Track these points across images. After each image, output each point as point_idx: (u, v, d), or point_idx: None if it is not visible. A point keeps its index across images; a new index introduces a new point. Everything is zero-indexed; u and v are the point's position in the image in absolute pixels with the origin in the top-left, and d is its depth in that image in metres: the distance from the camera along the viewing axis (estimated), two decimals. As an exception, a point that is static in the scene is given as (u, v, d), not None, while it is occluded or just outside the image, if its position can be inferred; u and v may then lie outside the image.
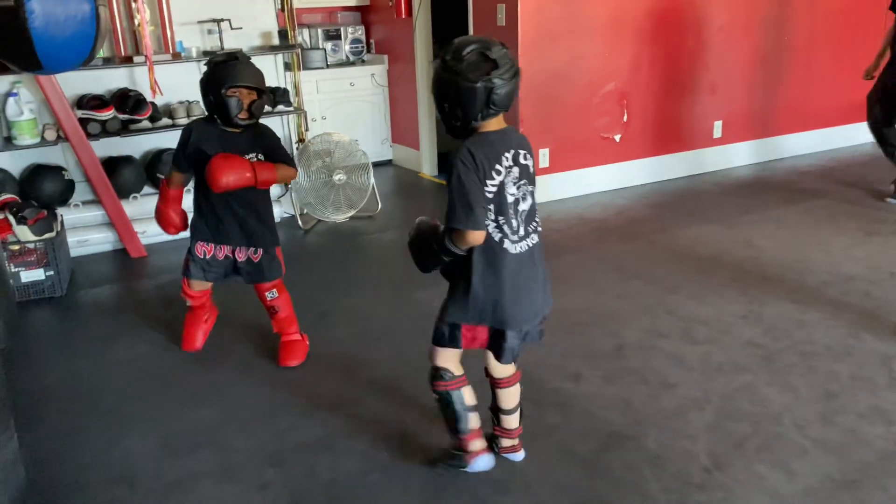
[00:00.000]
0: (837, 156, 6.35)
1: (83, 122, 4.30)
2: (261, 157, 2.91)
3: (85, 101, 4.38)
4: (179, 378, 3.04)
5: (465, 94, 1.96)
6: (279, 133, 5.13)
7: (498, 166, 2.04)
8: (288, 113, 4.99)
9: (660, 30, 5.45)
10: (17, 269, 3.83)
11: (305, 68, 5.88)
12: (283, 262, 3.13)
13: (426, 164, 6.34)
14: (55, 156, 4.51)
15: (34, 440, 2.62)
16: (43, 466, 2.47)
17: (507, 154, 2.07)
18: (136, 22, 4.32)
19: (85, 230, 4.47)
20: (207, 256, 3.03)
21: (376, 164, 5.91)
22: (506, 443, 2.40)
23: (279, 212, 4.98)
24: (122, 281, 4.18)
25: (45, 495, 2.33)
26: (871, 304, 3.46)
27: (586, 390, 2.83)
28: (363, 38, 6.55)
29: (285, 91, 4.94)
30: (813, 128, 6.48)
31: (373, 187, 5.08)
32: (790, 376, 2.87)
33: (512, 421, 2.38)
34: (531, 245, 2.15)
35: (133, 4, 4.35)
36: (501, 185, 2.05)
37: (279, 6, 5.00)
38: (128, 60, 4.44)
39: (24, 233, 3.83)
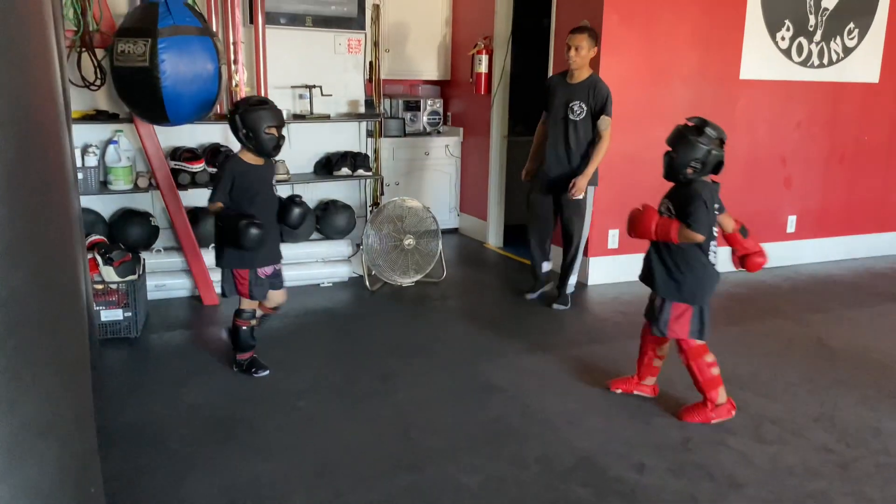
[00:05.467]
0: (915, 260, 6.19)
1: (175, 172, 4.52)
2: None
3: (178, 153, 4.61)
4: (245, 427, 3.09)
5: None
6: (356, 196, 5.32)
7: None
8: (366, 177, 5.15)
9: (737, 121, 5.48)
10: (97, 308, 3.98)
11: (384, 136, 6.09)
12: None
13: (492, 235, 6.42)
14: (144, 202, 4.73)
15: (103, 477, 2.68)
16: (109, 504, 2.52)
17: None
18: (234, 83, 4.57)
19: (163, 275, 4.64)
20: None
21: (443, 232, 6.01)
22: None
23: (347, 271, 5.10)
24: (195, 327, 4.30)
25: (110, 534, 2.37)
26: (953, 419, 3.32)
27: (650, 482, 2.76)
28: (441, 110, 6.76)
29: (366, 157, 5.10)
30: (890, 230, 6.35)
31: (440, 254, 5.16)
32: (866, 487, 2.76)
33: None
34: None
35: (233, 66, 4.60)
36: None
37: (367, 76, 5.22)
38: (222, 118, 4.67)
39: (109, 273, 4.00)
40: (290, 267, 4.92)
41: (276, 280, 3.64)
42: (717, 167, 3.08)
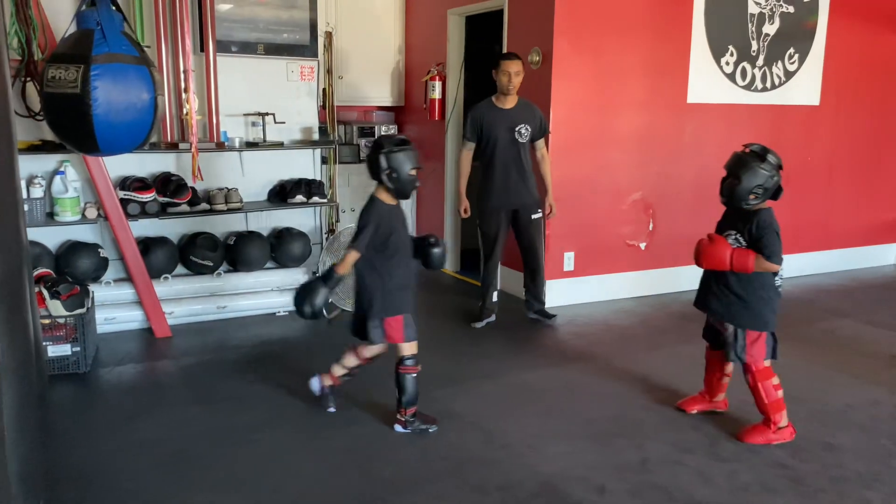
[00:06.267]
0: (860, 276, 6.37)
1: (124, 202, 4.43)
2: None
3: (128, 183, 4.52)
4: (200, 463, 3.02)
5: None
6: (311, 223, 5.29)
7: None
8: (321, 204, 5.11)
9: (686, 145, 5.62)
10: (45, 343, 3.86)
11: (339, 162, 6.07)
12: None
13: (449, 259, 6.43)
14: (92, 233, 4.62)
15: (50, 521, 2.59)
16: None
17: None
18: (185, 111, 4.51)
19: (114, 308, 4.52)
20: None
21: (401, 258, 6.00)
22: None
23: (304, 300, 5.03)
24: (146, 360, 4.20)
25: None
26: (900, 431, 3.41)
27: (611, 504, 2.77)
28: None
29: (320, 183, 5.08)
30: (835, 247, 6.54)
31: (398, 281, 5.13)
32: (820, 501, 2.80)
33: None
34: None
35: (184, 95, 4.55)
36: None
37: (321, 103, 5.21)
38: (173, 146, 4.61)
39: (56, 307, 3.89)
40: (244, 296, 4.88)
41: None
42: (777, 193, 3.16)
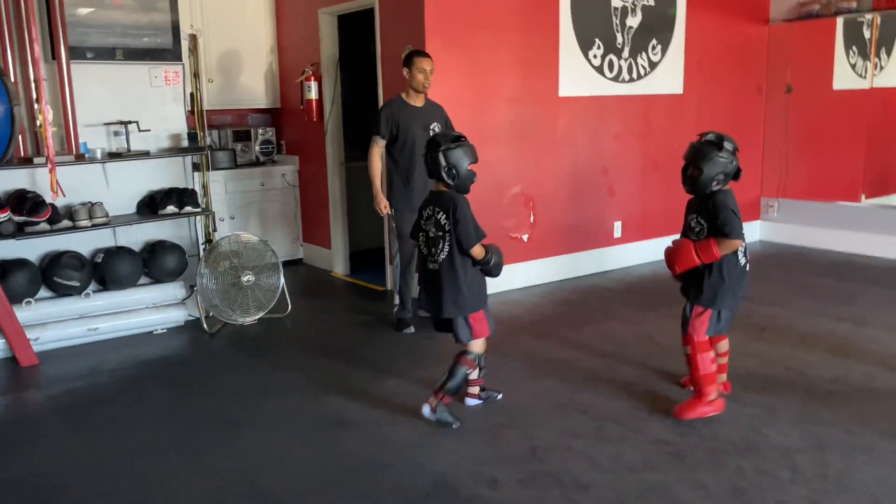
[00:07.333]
0: (728, 253, 6.73)
1: (-26, 224, 4.10)
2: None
3: (-23, 203, 4.19)
4: (76, 498, 2.83)
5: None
6: (186, 235, 5.08)
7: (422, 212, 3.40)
8: (195, 214, 4.91)
9: (559, 137, 5.77)
10: None
11: (214, 168, 5.87)
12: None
13: (338, 263, 6.34)
14: (-60, 259, 4.26)
15: None
16: None
17: (427, 209, 3.34)
18: (38, 123, 4.22)
19: (-30, 338, 4.19)
20: None
21: (287, 264, 5.87)
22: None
23: (182, 315, 4.83)
24: (11, 392, 3.91)
25: None
26: (769, 398, 3.61)
27: (503, 496, 2.79)
28: (274, 139, 6.61)
29: (193, 192, 4.87)
30: (705, 227, 6.88)
31: (283, 288, 5.02)
32: (699, 473, 2.93)
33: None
34: (438, 265, 3.28)
35: (36, 105, 4.25)
36: (421, 225, 3.39)
37: (189, 108, 5.01)
38: (27, 161, 4.30)
39: None
40: (117, 316, 4.64)
41: None
42: (737, 175, 3.30)
